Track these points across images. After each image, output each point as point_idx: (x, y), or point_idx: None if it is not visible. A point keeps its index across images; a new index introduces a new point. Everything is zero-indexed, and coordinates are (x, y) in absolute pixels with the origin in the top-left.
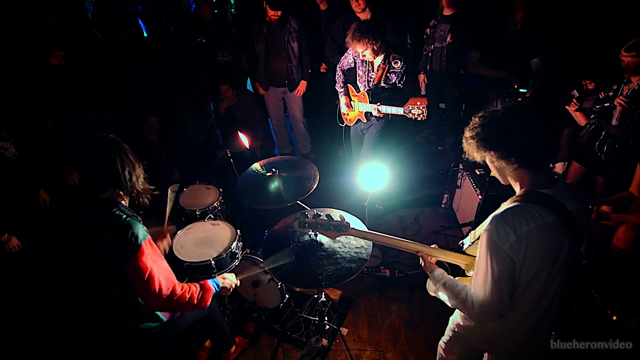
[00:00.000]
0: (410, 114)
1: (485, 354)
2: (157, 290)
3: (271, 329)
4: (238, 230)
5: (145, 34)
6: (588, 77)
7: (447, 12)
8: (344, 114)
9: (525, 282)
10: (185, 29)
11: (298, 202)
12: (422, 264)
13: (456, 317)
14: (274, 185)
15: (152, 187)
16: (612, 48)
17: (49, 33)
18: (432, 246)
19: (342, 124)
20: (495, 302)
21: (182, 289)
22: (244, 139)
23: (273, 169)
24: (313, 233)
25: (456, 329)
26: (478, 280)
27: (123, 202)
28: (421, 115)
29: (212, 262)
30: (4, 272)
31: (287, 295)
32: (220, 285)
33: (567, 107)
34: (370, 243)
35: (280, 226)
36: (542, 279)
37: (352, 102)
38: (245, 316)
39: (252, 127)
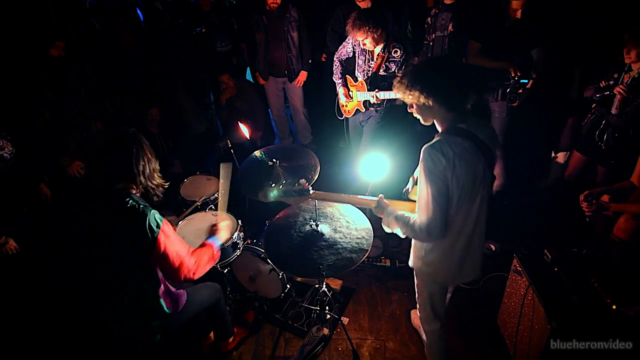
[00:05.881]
0: None
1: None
2: (177, 265)
3: (273, 318)
4: (239, 221)
5: (143, 24)
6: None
7: (448, 0)
8: (343, 105)
9: (456, 202)
10: (183, 19)
11: None
12: (375, 206)
13: (414, 264)
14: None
15: (165, 183)
16: (614, 35)
17: (48, 23)
18: (379, 195)
19: (341, 116)
20: (437, 219)
21: (195, 259)
22: (245, 130)
23: (273, 160)
24: (309, 221)
25: (416, 274)
26: (421, 205)
27: (136, 194)
28: None
29: None
30: (3, 273)
31: (288, 285)
32: (220, 239)
33: None
34: (371, 234)
35: (282, 217)
36: (467, 198)
37: (350, 93)
38: (247, 306)
39: (252, 117)
